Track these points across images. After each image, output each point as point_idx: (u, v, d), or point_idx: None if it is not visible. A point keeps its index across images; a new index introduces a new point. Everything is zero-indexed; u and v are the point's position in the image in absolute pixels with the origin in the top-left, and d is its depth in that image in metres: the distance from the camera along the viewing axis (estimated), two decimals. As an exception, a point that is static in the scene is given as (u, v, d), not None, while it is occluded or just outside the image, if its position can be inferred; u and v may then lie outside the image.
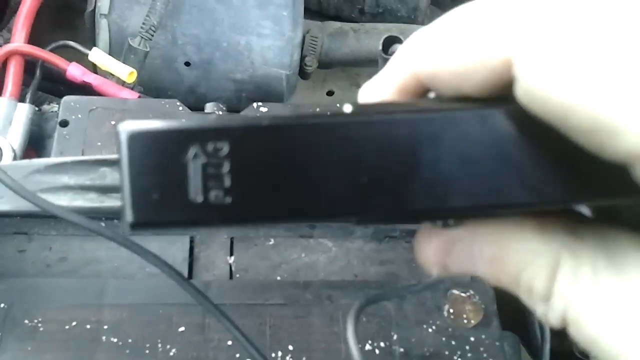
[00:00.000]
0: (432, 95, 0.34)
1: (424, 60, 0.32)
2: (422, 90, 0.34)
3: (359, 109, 0.31)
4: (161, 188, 0.29)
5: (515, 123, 0.29)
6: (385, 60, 0.78)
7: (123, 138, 0.29)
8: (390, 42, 0.76)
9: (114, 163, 0.63)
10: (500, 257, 0.32)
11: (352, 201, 0.30)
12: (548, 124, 0.28)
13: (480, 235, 0.32)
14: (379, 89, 0.35)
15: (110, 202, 0.61)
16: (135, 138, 0.29)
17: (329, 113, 0.30)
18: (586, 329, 0.29)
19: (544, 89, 0.27)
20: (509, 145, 0.29)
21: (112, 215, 0.63)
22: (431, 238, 0.35)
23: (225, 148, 0.29)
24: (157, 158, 0.29)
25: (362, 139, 0.29)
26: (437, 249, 0.34)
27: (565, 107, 0.27)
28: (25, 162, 0.65)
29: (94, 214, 0.63)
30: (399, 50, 0.34)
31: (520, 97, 0.29)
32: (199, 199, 0.29)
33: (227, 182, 0.29)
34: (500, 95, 0.30)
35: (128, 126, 0.30)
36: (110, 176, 0.63)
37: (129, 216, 0.29)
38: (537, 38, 0.27)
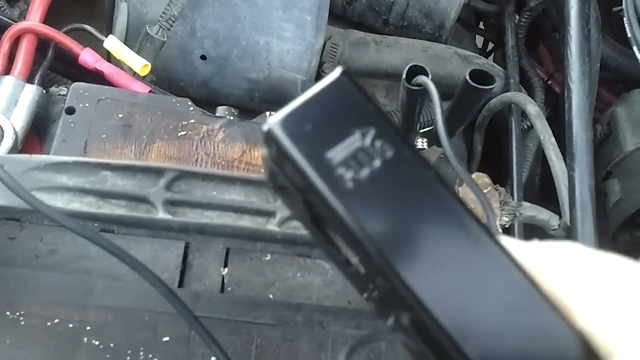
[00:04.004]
0: None
1: None
2: None
3: None
4: (319, 127, 0.32)
5: None
6: (407, 89, 0.76)
7: (336, 73, 0.33)
8: (414, 72, 0.74)
9: (116, 168, 0.61)
10: None
11: None
12: None
13: None
14: None
15: (108, 208, 0.59)
16: (341, 82, 0.33)
17: None
18: None
19: None
20: None
21: (108, 221, 0.60)
22: None
23: (377, 162, 0.32)
24: (340, 111, 0.32)
25: None
26: None
27: None
28: (25, 157, 0.63)
29: (90, 219, 0.61)
30: None
31: None
32: (334, 161, 0.31)
33: (364, 173, 0.31)
34: None
35: (341, 71, 0.33)
36: (111, 181, 0.60)
37: (275, 118, 0.32)
38: None
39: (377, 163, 0.31)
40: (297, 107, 0.32)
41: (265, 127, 0.32)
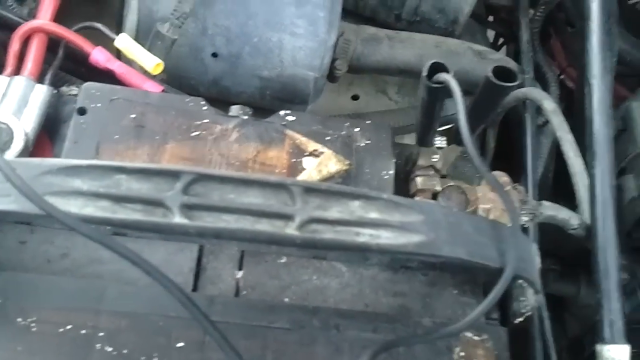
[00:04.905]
0: None
1: None
2: None
3: None
4: None
5: None
6: (427, 87, 0.74)
7: None
8: (435, 69, 0.72)
9: (131, 171, 0.59)
10: None
11: None
12: None
13: None
14: None
15: (124, 213, 0.57)
16: None
17: None
18: None
19: None
20: None
21: (124, 226, 0.58)
22: None
23: None
24: None
25: None
26: None
27: None
28: (38, 160, 0.61)
29: (105, 225, 0.59)
30: None
31: None
32: None
33: None
34: None
35: None
36: (125, 184, 0.58)
37: None
38: None
39: None
40: None
41: None
